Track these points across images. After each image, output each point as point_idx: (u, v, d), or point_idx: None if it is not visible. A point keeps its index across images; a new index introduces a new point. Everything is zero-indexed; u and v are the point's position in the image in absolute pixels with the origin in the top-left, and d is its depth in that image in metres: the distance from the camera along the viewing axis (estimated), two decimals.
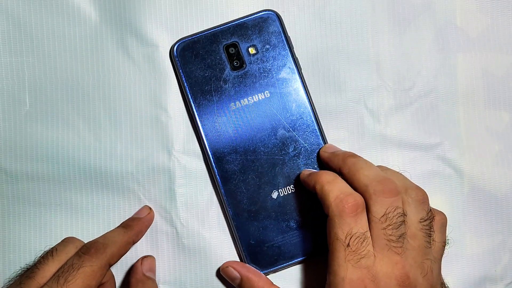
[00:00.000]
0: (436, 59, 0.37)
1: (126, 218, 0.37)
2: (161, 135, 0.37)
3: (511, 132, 0.38)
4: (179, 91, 0.37)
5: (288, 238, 0.35)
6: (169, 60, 0.37)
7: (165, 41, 0.37)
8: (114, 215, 0.37)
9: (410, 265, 0.29)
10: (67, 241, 0.33)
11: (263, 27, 0.36)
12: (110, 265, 0.32)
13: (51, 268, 0.31)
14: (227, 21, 0.36)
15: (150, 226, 0.37)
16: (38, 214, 0.37)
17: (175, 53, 0.36)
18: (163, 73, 0.37)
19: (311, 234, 0.35)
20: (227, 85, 0.35)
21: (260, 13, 0.36)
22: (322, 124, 0.36)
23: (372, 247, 0.29)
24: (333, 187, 0.30)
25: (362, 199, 0.29)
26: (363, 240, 0.28)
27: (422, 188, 0.32)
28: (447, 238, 0.32)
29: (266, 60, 0.36)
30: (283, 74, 0.36)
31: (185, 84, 0.36)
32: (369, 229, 0.29)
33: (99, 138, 0.37)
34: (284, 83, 0.36)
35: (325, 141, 0.36)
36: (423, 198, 0.31)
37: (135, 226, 0.35)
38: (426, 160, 0.37)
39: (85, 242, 0.33)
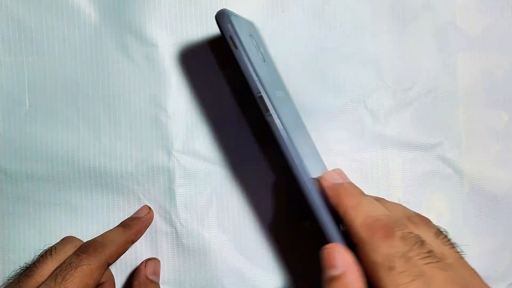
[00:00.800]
0: (436, 59, 0.37)
1: (126, 218, 0.37)
2: (160, 135, 0.37)
3: (510, 131, 0.37)
4: (178, 91, 0.37)
5: None
6: (169, 60, 0.37)
7: (164, 41, 0.37)
8: (114, 215, 0.37)
9: (463, 279, 0.25)
10: (66, 240, 0.33)
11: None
12: (109, 264, 0.32)
13: (49, 267, 0.31)
14: None
15: (150, 226, 0.37)
16: (38, 214, 0.37)
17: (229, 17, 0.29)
18: (163, 72, 0.37)
19: None
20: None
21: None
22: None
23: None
24: (357, 212, 0.27)
25: (389, 218, 0.26)
26: (409, 259, 0.25)
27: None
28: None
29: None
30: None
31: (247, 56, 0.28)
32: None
33: (99, 138, 0.37)
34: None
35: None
36: (427, 219, 0.29)
37: (134, 226, 0.35)
38: (426, 160, 0.37)
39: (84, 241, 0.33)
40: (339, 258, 0.26)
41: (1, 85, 0.37)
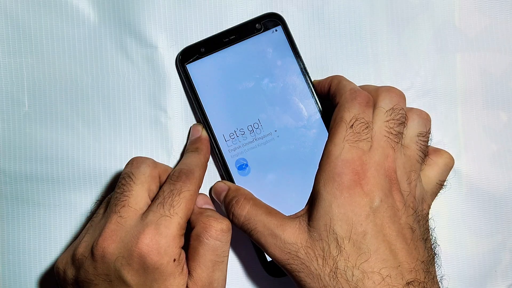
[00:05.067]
0: (434, 59, 0.37)
1: (188, 143, 0.37)
2: (160, 135, 0.37)
3: (509, 131, 0.38)
4: (178, 91, 0.37)
5: None
6: (168, 61, 0.37)
7: (164, 42, 0.37)
8: None
9: (398, 165, 0.30)
10: (136, 161, 0.33)
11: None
12: (200, 187, 0.33)
13: (139, 193, 0.31)
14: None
15: None
16: (37, 214, 0.37)
17: None
18: (162, 73, 0.37)
19: None
20: None
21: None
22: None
23: (371, 138, 0.30)
24: (350, 83, 0.33)
25: (372, 98, 0.32)
26: (366, 127, 0.30)
27: None
28: (446, 181, 0.34)
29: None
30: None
31: None
32: (373, 121, 0.31)
33: (98, 139, 0.37)
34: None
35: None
36: (427, 117, 0.33)
37: (202, 145, 0.35)
38: None
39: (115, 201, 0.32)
40: (221, 185, 0.35)
41: (0, 86, 0.37)
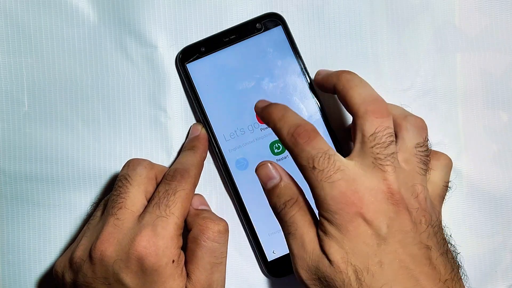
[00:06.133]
0: (434, 59, 0.37)
1: (186, 141, 0.36)
2: (160, 135, 0.37)
3: (509, 131, 0.38)
4: (178, 91, 0.37)
5: None
6: (168, 60, 0.37)
7: (164, 42, 0.37)
8: None
9: (399, 184, 0.28)
10: (133, 163, 0.33)
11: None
12: (195, 186, 0.33)
13: (136, 195, 0.31)
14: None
15: None
16: (37, 214, 0.37)
17: None
18: (162, 73, 0.37)
19: None
20: None
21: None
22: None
23: (352, 163, 0.28)
24: (283, 124, 0.30)
25: (311, 125, 0.29)
26: (329, 158, 0.28)
27: None
28: (450, 181, 0.32)
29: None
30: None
31: None
32: (358, 148, 0.29)
33: (98, 139, 0.37)
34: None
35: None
36: (422, 124, 0.31)
37: (199, 144, 0.35)
38: None
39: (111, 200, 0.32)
40: (272, 169, 0.31)
41: None
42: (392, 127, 0.29)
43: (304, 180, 0.29)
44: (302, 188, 0.30)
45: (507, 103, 0.38)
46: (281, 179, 0.30)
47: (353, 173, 0.28)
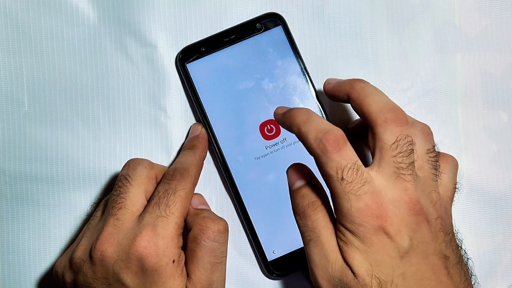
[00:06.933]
0: (434, 59, 0.37)
1: (186, 141, 0.36)
2: (160, 135, 0.37)
3: (509, 131, 0.38)
4: (178, 91, 0.37)
5: None
6: (168, 60, 0.37)
7: (164, 42, 0.37)
8: None
9: (418, 194, 0.28)
10: (133, 163, 0.33)
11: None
12: (195, 185, 0.33)
13: (136, 194, 0.31)
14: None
15: None
16: (37, 214, 0.37)
17: None
18: (162, 73, 0.37)
19: None
20: None
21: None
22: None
23: (374, 174, 0.28)
24: (309, 127, 0.28)
25: (341, 132, 0.28)
26: (357, 169, 0.27)
27: None
28: (457, 182, 0.32)
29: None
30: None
31: None
32: (379, 157, 0.28)
33: (98, 139, 0.37)
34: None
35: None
36: (429, 131, 0.30)
37: (199, 144, 0.35)
38: None
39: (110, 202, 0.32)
40: (299, 173, 0.30)
41: None
42: (411, 135, 0.29)
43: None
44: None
45: (507, 103, 0.38)
46: (309, 181, 0.30)
47: (378, 184, 0.27)
